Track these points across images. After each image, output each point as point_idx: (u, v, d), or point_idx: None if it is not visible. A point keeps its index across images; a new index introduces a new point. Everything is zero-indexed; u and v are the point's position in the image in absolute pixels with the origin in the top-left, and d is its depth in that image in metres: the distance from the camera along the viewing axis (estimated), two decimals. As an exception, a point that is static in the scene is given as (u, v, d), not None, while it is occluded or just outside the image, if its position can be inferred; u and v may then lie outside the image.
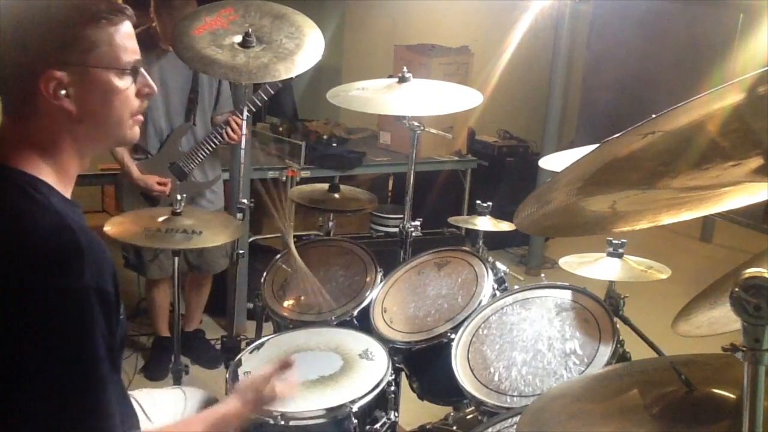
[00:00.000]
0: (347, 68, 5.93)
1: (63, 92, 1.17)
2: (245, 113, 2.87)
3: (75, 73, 1.17)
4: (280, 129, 4.71)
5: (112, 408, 1.15)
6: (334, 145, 4.56)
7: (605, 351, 1.82)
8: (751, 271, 0.87)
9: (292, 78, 2.54)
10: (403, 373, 2.28)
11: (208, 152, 3.29)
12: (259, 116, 4.83)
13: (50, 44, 1.16)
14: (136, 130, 1.30)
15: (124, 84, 1.23)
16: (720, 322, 1.45)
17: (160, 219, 2.39)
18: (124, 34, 1.22)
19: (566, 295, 2.04)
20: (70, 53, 1.17)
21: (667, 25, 5.84)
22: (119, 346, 1.21)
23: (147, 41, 3.10)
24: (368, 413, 1.93)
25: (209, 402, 1.94)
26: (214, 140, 3.26)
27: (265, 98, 3.15)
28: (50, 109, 1.18)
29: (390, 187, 5.47)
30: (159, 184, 3.21)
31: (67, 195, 1.24)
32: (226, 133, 3.20)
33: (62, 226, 1.14)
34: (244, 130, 2.85)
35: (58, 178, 1.22)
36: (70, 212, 1.19)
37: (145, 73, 1.27)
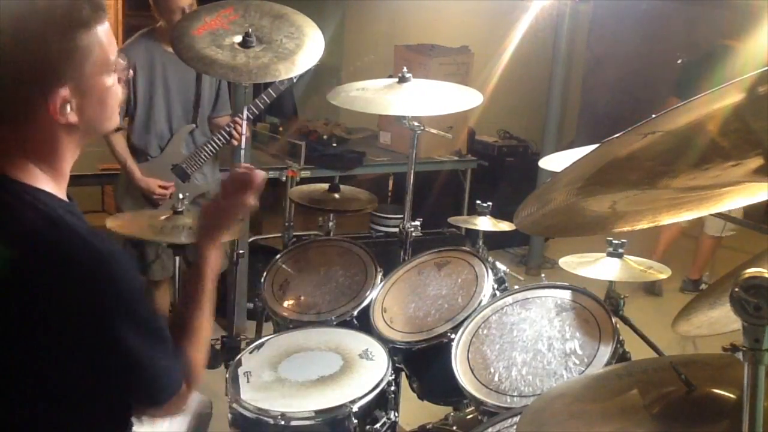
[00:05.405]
0: (347, 68, 5.92)
1: (68, 108, 1.15)
2: (245, 114, 2.86)
3: (75, 86, 1.16)
4: (280, 129, 4.70)
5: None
6: (334, 145, 4.55)
7: (605, 351, 1.82)
8: (751, 271, 0.87)
9: (293, 80, 2.53)
10: (403, 373, 2.28)
11: (210, 154, 3.27)
12: (259, 116, 4.83)
13: (51, 62, 1.13)
14: (117, 116, 1.29)
15: (113, 80, 1.23)
16: (720, 322, 1.45)
17: (162, 218, 2.39)
18: (107, 31, 1.21)
19: (566, 295, 2.04)
20: (69, 66, 1.15)
21: (667, 25, 5.84)
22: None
23: (150, 42, 3.07)
24: (368, 413, 1.93)
25: (205, 405, 1.95)
26: (218, 142, 3.25)
27: (268, 101, 3.14)
28: (53, 124, 1.16)
29: (390, 187, 5.47)
30: (161, 187, 3.20)
31: (63, 195, 1.24)
32: (230, 134, 3.19)
33: (77, 240, 1.14)
34: (245, 132, 2.84)
35: (54, 181, 1.22)
36: (73, 219, 1.19)
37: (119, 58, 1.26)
